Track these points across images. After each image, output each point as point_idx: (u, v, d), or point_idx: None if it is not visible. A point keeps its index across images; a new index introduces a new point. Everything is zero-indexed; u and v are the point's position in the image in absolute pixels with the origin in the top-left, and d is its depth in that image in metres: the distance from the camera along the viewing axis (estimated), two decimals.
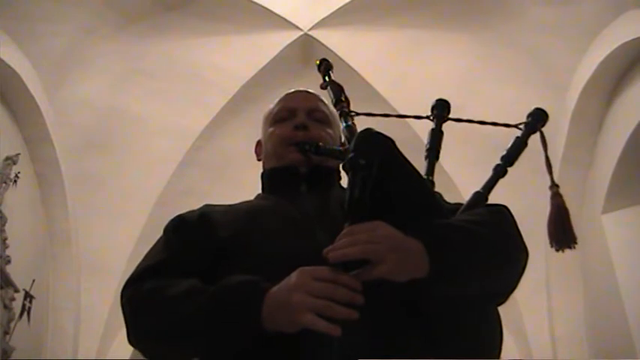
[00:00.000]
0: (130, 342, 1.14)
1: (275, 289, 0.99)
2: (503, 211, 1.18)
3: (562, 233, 1.33)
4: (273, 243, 1.15)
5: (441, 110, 1.42)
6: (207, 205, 1.32)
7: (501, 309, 1.15)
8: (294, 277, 0.98)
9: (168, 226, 1.27)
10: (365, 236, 0.96)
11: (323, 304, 0.93)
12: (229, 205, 1.32)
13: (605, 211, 3.83)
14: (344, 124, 1.35)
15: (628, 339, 3.48)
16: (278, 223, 1.21)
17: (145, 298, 1.11)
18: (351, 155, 1.04)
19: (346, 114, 1.36)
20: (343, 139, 1.38)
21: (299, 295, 0.94)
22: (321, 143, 1.31)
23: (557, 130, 4.03)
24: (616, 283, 3.64)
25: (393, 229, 0.99)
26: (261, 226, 1.21)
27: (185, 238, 1.22)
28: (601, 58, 3.63)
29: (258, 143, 1.48)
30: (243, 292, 1.01)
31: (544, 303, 4.34)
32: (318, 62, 1.55)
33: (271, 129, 1.41)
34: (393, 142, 1.09)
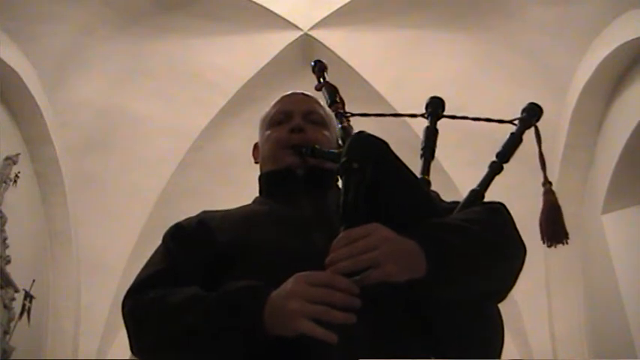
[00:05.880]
0: (133, 352, 1.14)
1: (273, 294, 0.99)
2: (499, 208, 1.18)
3: (554, 229, 1.32)
4: (272, 248, 1.15)
5: (435, 108, 1.40)
6: (205, 212, 1.31)
7: (501, 309, 1.15)
8: (290, 283, 0.98)
9: (167, 235, 1.26)
10: (362, 244, 0.96)
11: (320, 309, 0.93)
12: (227, 211, 1.32)
13: (605, 211, 3.83)
14: (339, 126, 1.34)
15: (628, 339, 3.48)
16: (276, 228, 1.21)
17: (147, 308, 1.10)
18: (343, 159, 1.04)
19: (341, 115, 1.35)
20: (339, 140, 1.37)
21: (295, 302, 0.95)
22: (317, 146, 1.31)
23: (557, 130, 4.03)
24: (616, 283, 3.64)
25: (390, 230, 0.99)
26: (260, 231, 1.20)
27: (184, 246, 1.21)
28: (601, 59, 3.62)
29: (256, 146, 1.48)
30: (244, 297, 1.01)
31: (544, 303, 4.34)
32: (312, 63, 1.54)
33: (268, 132, 1.41)
34: (386, 144, 1.08)
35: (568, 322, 4.23)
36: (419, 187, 1.17)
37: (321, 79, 1.49)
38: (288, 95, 1.46)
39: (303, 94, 1.46)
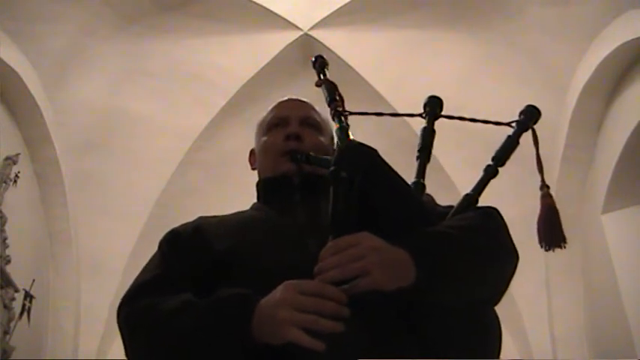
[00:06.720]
0: (128, 359, 1.14)
1: (262, 302, 0.99)
2: (492, 214, 1.17)
3: (552, 233, 1.31)
4: (267, 255, 1.15)
5: (433, 107, 1.37)
6: (201, 218, 1.31)
7: (501, 309, 1.15)
8: (279, 291, 0.98)
9: (163, 241, 1.26)
10: (351, 252, 0.96)
11: (309, 318, 0.93)
12: (223, 216, 1.32)
13: (605, 211, 3.83)
14: (337, 125, 1.32)
15: (628, 339, 3.48)
16: (271, 235, 1.21)
17: (140, 314, 1.11)
18: (332, 168, 1.04)
19: (340, 113, 1.34)
20: (336, 140, 1.36)
21: (285, 311, 0.95)
22: (312, 153, 1.31)
23: (557, 130, 4.03)
24: (616, 283, 3.64)
25: (378, 239, 0.99)
26: (255, 239, 1.21)
27: (180, 253, 1.21)
28: (601, 58, 3.62)
29: (252, 152, 1.48)
30: (233, 305, 1.01)
31: (544, 303, 4.34)
32: (313, 59, 1.51)
33: (264, 138, 1.41)
34: (376, 152, 1.08)
35: (568, 322, 4.23)
36: (410, 195, 1.16)
37: (322, 76, 1.46)
38: (284, 101, 1.46)
39: (299, 99, 1.46)
